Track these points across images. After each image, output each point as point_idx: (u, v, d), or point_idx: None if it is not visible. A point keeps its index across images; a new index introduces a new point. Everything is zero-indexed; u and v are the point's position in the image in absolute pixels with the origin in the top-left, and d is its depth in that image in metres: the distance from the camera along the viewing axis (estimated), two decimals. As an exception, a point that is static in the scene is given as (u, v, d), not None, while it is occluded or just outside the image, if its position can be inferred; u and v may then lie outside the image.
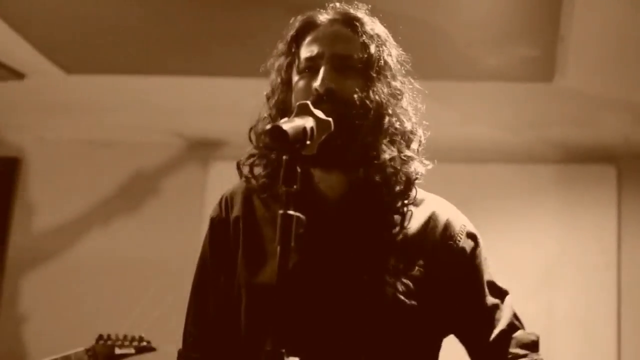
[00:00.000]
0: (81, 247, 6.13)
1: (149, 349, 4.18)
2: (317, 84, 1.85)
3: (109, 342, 4.09)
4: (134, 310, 5.39)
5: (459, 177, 5.70)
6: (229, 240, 2.03)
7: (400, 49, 2.04)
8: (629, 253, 5.74)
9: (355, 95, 1.88)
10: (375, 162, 1.89)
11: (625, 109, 5.18)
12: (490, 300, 2.00)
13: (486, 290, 2.00)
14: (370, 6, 2.04)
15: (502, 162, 5.93)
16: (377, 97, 1.90)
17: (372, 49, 1.92)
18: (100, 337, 4.10)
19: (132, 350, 4.13)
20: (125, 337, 4.13)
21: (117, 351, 4.09)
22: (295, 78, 1.94)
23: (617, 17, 4.09)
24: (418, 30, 4.21)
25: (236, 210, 2.04)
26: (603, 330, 5.62)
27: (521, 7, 4.12)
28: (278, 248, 1.55)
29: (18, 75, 5.15)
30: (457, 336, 2.02)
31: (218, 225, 2.07)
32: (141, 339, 4.16)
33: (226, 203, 2.07)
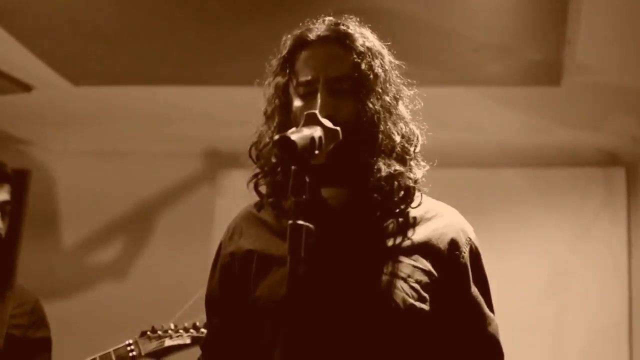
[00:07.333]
0: (91, 258, 6.14)
1: None
2: (316, 111, 1.86)
3: (157, 334, 3.53)
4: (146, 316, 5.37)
5: (467, 182, 5.71)
6: (236, 258, 2.06)
7: (394, 52, 2.07)
8: (639, 255, 5.72)
9: (352, 118, 1.92)
10: (371, 179, 1.93)
11: (634, 111, 5.18)
12: (487, 314, 2.03)
13: (483, 306, 2.04)
14: (359, 19, 2.05)
15: (511, 166, 5.92)
16: (370, 115, 1.94)
17: (364, 65, 1.96)
18: (144, 332, 3.53)
19: (188, 341, 3.54)
20: (176, 327, 3.54)
21: (169, 342, 3.52)
22: (294, 101, 1.97)
23: (623, 20, 4.09)
24: (424, 37, 4.22)
25: (244, 229, 2.08)
26: (614, 333, 5.60)
27: (527, 12, 4.12)
28: (288, 259, 1.57)
29: (26, 87, 5.17)
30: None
31: (224, 245, 2.12)
32: (196, 327, 3.55)
33: (234, 225, 2.13)
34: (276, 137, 1.67)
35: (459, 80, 4.82)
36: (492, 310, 2.06)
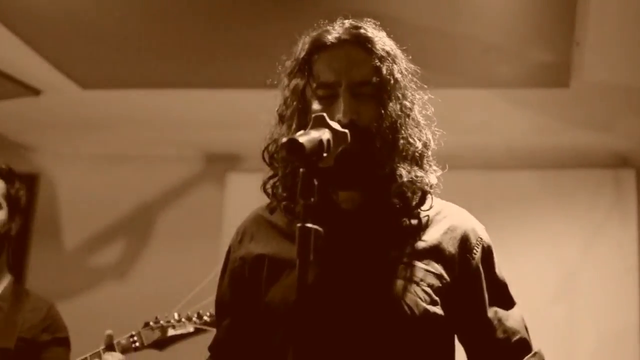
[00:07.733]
0: (98, 261, 6.14)
1: (212, 324, 3.44)
2: (340, 115, 1.87)
3: (159, 325, 3.52)
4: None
5: (478, 184, 5.69)
6: (246, 263, 2.05)
7: (409, 57, 2.06)
8: (650, 257, 5.70)
9: (374, 122, 1.92)
10: (393, 185, 1.92)
11: (643, 112, 5.17)
12: (501, 311, 2.03)
13: (498, 301, 2.04)
14: (378, 23, 2.04)
15: (520, 168, 5.91)
16: (391, 120, 1.93)
17: (384, 70, 1.95)
18: (147, 323, 3.53)
19: (191, 329, 3.51)
20: (179, 316, 3.53)
21: (172, 332, 3.51)
22: (313, 104, 1.95)
23: (631, 21, 4.08)
24: (434, 39, 4.21)
25: (255, 232, 2.07)
26: (625, 336, 5.58)
27: (536, 13, 4.11)
28: (297, 262, 1.56)
29: (34, 91, 5.17)
30: (460, 338, 2.06)
31: (233, 249, 2.11)
32: (200, 316, 3.53)
33: (244, 228, 2.11)
34: (284, 139, 1.66)
35: (467, 83, 4.82)
36: (511, 304, 2.06)
